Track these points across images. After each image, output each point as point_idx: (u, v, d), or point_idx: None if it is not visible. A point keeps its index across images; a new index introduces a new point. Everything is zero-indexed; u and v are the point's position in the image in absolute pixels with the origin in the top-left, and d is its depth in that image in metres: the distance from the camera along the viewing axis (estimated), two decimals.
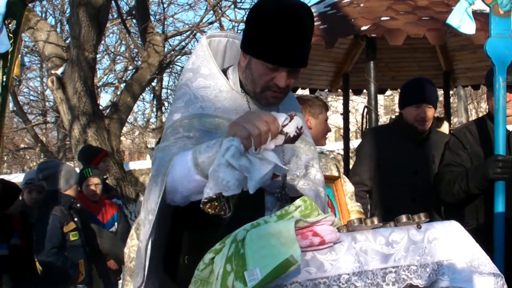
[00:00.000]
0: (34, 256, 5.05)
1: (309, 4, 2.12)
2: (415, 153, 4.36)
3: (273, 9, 2.15)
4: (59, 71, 9.43)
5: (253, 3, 12.91)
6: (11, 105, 18.74)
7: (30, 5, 11.20)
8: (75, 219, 5.37)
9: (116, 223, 6.17)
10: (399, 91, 4.78)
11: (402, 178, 4.33)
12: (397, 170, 4.35)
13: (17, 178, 12.09)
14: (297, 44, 2.16)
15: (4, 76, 4.22)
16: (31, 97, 20.28)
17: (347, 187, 3.94)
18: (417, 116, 4.29)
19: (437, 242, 1.88)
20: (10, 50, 4.22)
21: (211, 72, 2.34)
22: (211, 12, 14.07)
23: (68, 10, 11.93)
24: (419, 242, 1.88)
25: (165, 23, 16.13)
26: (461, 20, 3.64)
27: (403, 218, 1.88)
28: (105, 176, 7.03)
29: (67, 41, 11.65)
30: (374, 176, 4.42)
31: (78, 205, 5.50)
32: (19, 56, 4.32)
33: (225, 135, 1.98)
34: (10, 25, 4.20)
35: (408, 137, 4.38)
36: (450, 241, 1.90)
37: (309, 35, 2.21)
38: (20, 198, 5.40)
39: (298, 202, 1.85)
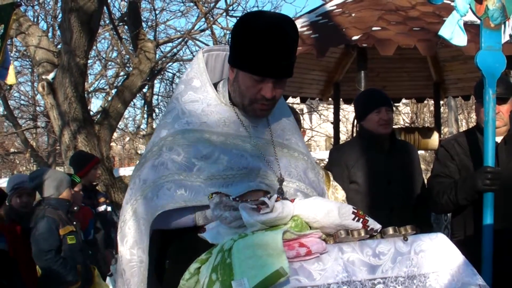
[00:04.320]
0: (34, 260, 5.05)
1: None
2: (386, 163, 4.34)
3: (257, 22, 2.20)
4: (50, 76, 9.38)
5: (245, 11, 12.96)
6: (1, 109, 18.67)
7: (22, 9, 11.17)
8: (74, 222, 5.35)
9: (92, 230, 6.17)
10: (353, 106, 4.80)
11: (377, 189, 4.30)
12: (372, 182, 4.32)
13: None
14: (281, 55, 2.19)
15: None
16: (22, 102, 20.11)
17: (339, 194, 3.91)
18: (380, 120, 4.29)
19: (424, 254, 1.88)
20: None
21: (202, 84, 2.41)
22: (203, 19, 14.06)
23: (60, 16, 11.86)
24: (406, 254, 1.88)
25: (157, 29, 16.07)
26: (453, 32, 3.64)
27: (390, 230, 1.88)
28: (95, 183, 7.01)
29: (59, 47, 11.60)
30: (349, 194, 4.27)
31: (76, 208, 5.51)
32: (12, 63, 4.31)
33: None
34: None
35: (375, 147, 4.37)
36: (437, 253, 1.89)
37: (294, 47, 2.25)
38: (7, 203, 5.39)
39: (289, 222, 1.83)
